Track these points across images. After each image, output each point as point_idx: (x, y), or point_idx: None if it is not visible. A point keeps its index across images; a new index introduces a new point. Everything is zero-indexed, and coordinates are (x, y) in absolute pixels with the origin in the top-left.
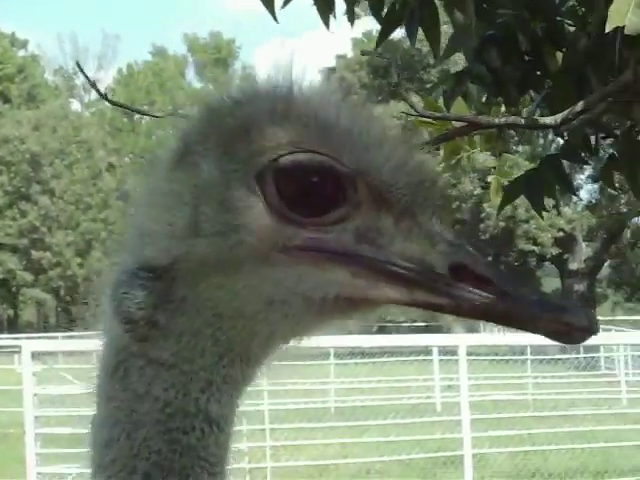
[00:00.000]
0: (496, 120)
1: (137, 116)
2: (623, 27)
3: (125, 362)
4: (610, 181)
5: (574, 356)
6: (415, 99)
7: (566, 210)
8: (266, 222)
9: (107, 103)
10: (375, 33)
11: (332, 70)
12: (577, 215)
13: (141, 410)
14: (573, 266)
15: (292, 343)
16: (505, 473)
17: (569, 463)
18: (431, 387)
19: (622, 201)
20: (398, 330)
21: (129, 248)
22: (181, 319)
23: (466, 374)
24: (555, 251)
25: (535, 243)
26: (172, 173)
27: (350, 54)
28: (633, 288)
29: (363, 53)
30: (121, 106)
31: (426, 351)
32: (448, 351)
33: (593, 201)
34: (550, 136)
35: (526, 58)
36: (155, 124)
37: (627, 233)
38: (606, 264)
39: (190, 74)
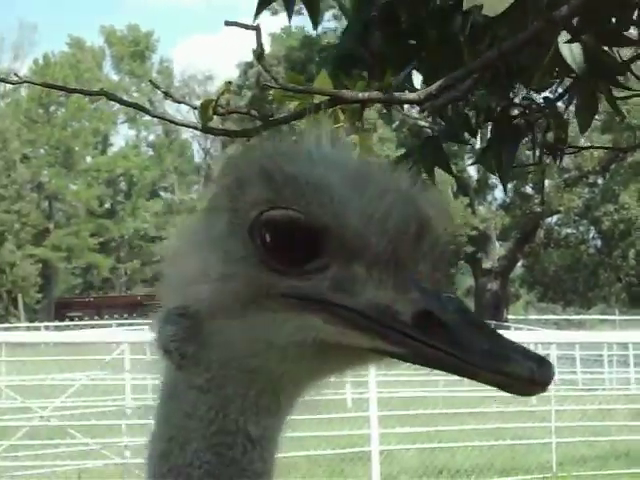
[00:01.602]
0: (359, 95)
1: (52, 107)
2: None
3: (174, 386)
4: (488, 164)
5: None
6: None
7: (480, 209)
8: (253, 271)
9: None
10: (294, 29)
11: (250, 65)
12: (491, 214)
13: (190, 427)
14: (487, 265)
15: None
16: (412, 469)
17: (476, 460)
18: (342, 383)
19: (536, 201)
20: None
21: (171, 289)
22: (209, 352)
23: (374, 370)
24: (469, 249)
25: None
26: (198, 225)
27: (268, 49)
28: (545, 288)
29: (227, 23)
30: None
31: None
32: None
33: (507, 200)
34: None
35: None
36: (70, 116)
37: (540, 233)
38: (519, 264)
39: (107, 66)
